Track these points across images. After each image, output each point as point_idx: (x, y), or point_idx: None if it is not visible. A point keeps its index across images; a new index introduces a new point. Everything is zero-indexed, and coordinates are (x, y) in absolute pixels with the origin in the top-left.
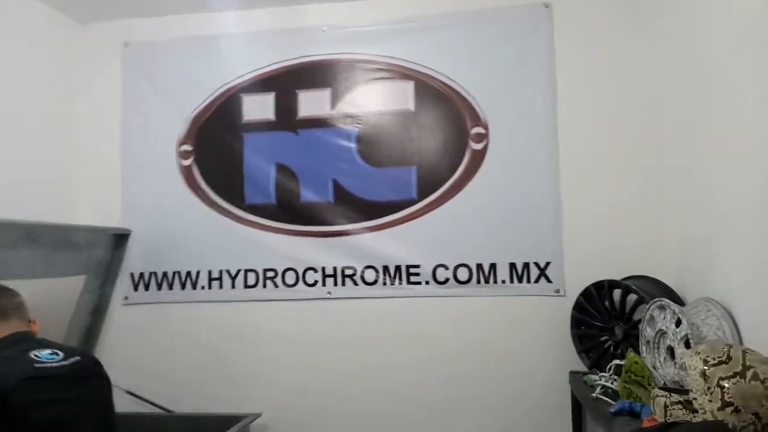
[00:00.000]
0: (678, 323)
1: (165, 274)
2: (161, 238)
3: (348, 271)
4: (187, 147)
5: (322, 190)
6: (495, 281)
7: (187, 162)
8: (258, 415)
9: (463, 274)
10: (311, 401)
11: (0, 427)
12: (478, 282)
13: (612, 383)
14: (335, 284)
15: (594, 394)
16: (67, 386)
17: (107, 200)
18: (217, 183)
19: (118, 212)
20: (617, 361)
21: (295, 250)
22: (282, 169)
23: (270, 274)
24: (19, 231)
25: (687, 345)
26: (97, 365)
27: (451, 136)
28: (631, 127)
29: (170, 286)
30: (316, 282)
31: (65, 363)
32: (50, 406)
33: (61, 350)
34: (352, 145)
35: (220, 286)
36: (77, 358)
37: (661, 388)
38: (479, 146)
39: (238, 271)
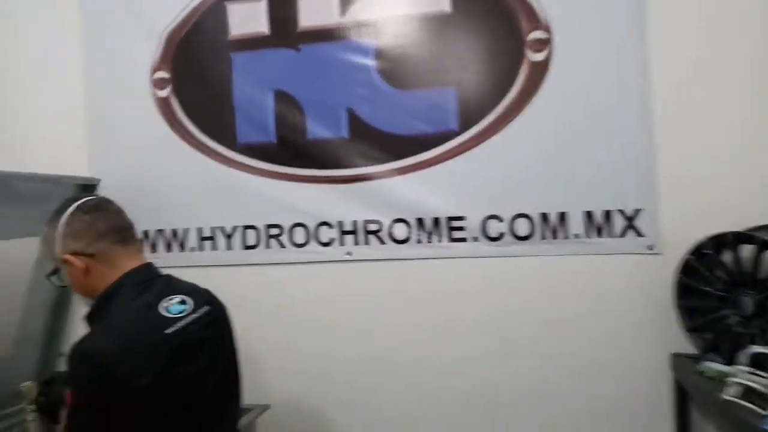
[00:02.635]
0: None
1: (146, 234)
2: (138, 189)
3: (372, 227)
4: (162, 74)
5: (334, 122)
6: (566, 236)
7: (163, 93)
8: (266, 407)
9: (522, 227)
10: (326, 390)
11: (116, 422)
12: (543, 237)
13: (755, 382)
14: (356, 243)
15: (728, 396)
16: (198, 353)
17: (68, 144)
18: (202, 118)
19: (82, 159)
20: (760, 349)
21: (304, 200)
22: (282, 97)
23: (274, 231)
24: None
25: None
26: (225, 312)
27: (501, 44)
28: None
29: (153, 248)
30: (331, 240)
31: (196, 316)
32: (179, 384)
33: (188, 294)
34: (370, 63)
35: (213, 248)
36: (208, 308)
37: None
38: (540, 57)
39: (234, 228)
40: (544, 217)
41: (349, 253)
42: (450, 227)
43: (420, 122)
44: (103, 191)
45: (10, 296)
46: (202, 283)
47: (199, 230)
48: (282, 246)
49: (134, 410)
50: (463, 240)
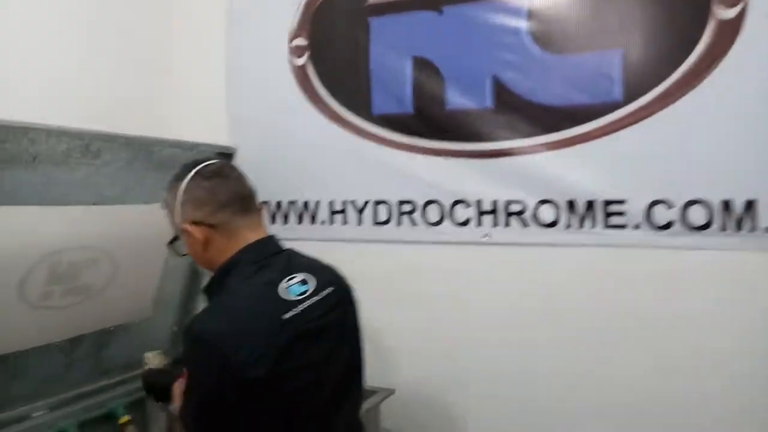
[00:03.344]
0: None
1: (279, 205)
2: (272, 158)
3: (514, 207)
4: (300, 41)
5: (478, 91)
6: (753, 228)
7: (300, 60)
8: (391, 392)
9: (697, 215)
10: (453, 376)
11: (229, 411)
12: (724, 229)
13: None
14: (495, 224)
15: None
16: (319, 341)
17: (208, 112)
18: (337, 87)
19: (221, 127)
20: None
21: (439, 175)
22: (421, 64)
23: (406, 208)
24: (93, 143)
25: None
26: (350, 293)
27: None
28: None
29: (285, 220)
30: (467, 220)
31: (317, 299)
32: (299, 379)
33: (311, 272)
34: (522, 24)
35: (344, 222)
36: (331, 288)
37: None
38: (730, 14)
39: (366, 203)
40: (726, 204)
41: (486, 235)
42: (607, 212)
43: (577, 91)
44: (239, 160)
45: (150, 259)
46: (330, 258)
47: (330, 203)
48: (414, 224)
49: (247, 401)
50: (621, 227)
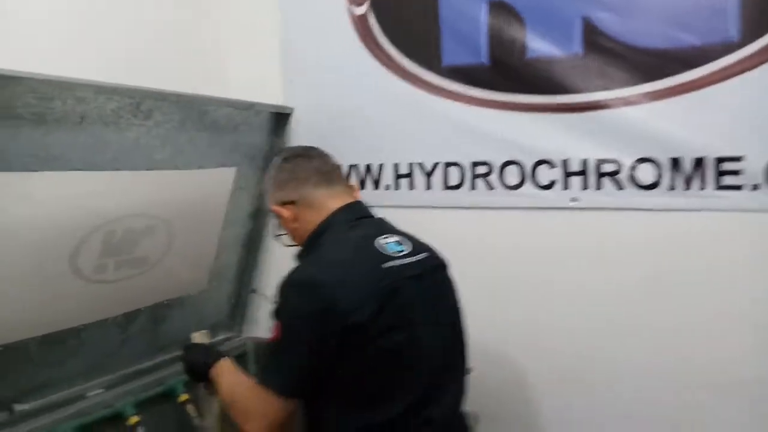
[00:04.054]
0: None
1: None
2: (331, 119)
3: (607, 167)
4: None
5: (564, 35)
6: None
7: (360, 9)
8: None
9: None
10: (530, 355)
11: (327, 360)
12: None
13: None
14: (584, 187)
15: None
16: (418, 302)
17: (262, 70)
18: (402, 37)
19: (276, 86)
20: None
21: (519, 133)
22: (498, 7)
23: (481, 170)
24: (144, 102)
25: None
26: (448, 268)
27: None
28: None
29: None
30: (552, 183)
31: (414, 260)
32: (398, 330)
33: (405, 237)
34: None
35: (411, 186)
36: (426, 254)
37: None
38: None
39: (435, 165)
40: None
41: (574, 199)
42: (719, 171)
43: (683, 31)
44: (295, 122)
45: (205, 229)
46: (399, 225)
47: (396, 166)
48: (490, 187)
49: (348, 348)
50: (736, 188)
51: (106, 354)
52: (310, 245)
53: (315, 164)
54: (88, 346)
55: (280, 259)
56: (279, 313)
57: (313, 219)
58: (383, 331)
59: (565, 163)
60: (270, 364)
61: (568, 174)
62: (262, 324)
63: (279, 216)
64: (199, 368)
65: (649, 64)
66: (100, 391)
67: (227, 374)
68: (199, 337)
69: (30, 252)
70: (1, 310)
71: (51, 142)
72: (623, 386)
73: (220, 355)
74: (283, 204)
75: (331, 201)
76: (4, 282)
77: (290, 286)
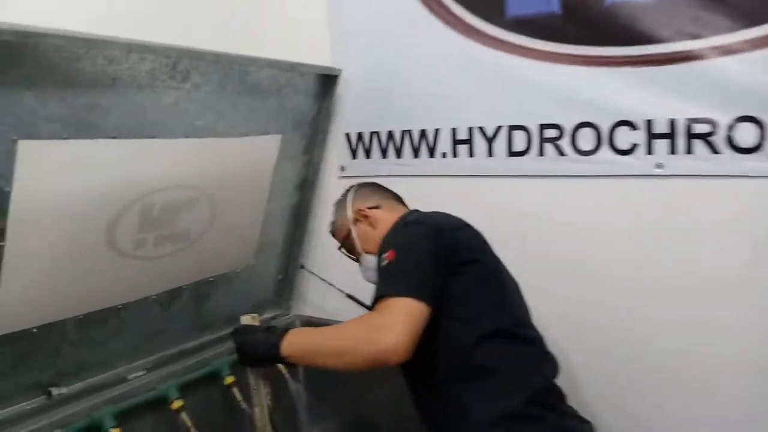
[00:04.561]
0: None
1: (391, 135)
2: (382, 80)
3: (699, 128)
4: None
5: None
6: None
7: None
8: None
9: None
10: (615, 348)
11: (445, 271)
12: None
13: None
14: (672, 151)
15: None
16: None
17: (307, 28)
18: None
19: (321, 46)
20: None
21: (595, 90)
22: None
23: (550, 133)
24: (181, 61)
25: None
26: None
27: None
28: None
29: (399, 153)
30: (633, 147)
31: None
32: (493, 259)
33: None
34: None
35: (470, 153)
36: None
37: None
38: None
39: (498, 129)
40: None
41: (659, 166)
42: None
43: None
44: (343, 84)
45: (250, 201)
46: (455, 197)
47: (453, 131)
48: (561, 153)
49: (460, 265)
50: None
51: (147, 334)
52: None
53: (387, 189)
54: (128, 326)
55: (328, 233)
56: (393, 243)
57: (393, 218)
58: (481, 255)
59: (648, 124)
60: (388, 281)
61: (653, 136)
62: (311, 301)
63: (361, 221)
64: (260, 350)
65: (754, 6)
66: (142, 373)
67: (311, 334)
68: (248, 321)
69: (63, 227)
70: (36, 288)
71: (80, 107)
72: (731, 386)
73: (283, 330)
74: (367, 210)
75: (404, 208)
76: (36, 258)
77: (401, 225)
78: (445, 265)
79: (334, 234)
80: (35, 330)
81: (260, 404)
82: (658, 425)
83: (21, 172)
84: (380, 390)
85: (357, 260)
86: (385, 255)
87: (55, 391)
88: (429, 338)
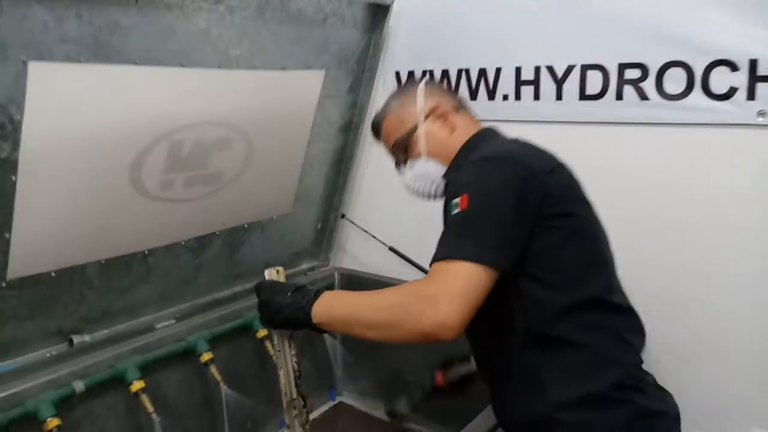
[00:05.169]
0: None
1: (446, 75)
2: (437, 12)
3: None
4: None
5: None
6: None
7: None
8: None
9: None
10: (712, 320)
11: (529, 228)
12: None
13: None
14: None
15: None
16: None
17: None
18: None
19: None
20: None
21: (687, 22)
22: None
23: (632, 74)
24: None
25: None
26: None
27: None
28: None
29: (456, 93)
30: (732, 91)
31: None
32: (586, 207)
33: None
34: None
35: (536, 96)
36: None
37: None
38: None
39: (569, 68)
40: None
41: (762, 114)
42: None
43: None
44: (395, 15)
45: (289, 143)
46: None
47: (517, 71)
48: (643, 97)
49: (547, 219)
50: None
51: (176, 282)
52: (466, 154)
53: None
54: (156, 273)
55: (371, 180)
56: (468, 185)
57: (469, 128)
58: (575, 204)
59: (753, 64)
60: (455, 237)
61: (757, 79)
62: (350, 253)
63: (434, 123)
64: (287, 313)
65: None
66: (170, 322)
67: (348, 299)
68: (274, 275)
69: (82, 162)
70: (53, 228)
71: (99, 27)
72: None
73: (314, 292)
74: (443, 112)
75: (467, 126)
76: (52, 196)
77: (480, 161)
78: (531, 218)
79: (378, 127)
80: (54, 274)
81: (285, 367)
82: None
83: (33, 98)
84: (423, 349)
85: (403, 164)
86: (457, 200)
87: (77, 338)
88: (501, 299)
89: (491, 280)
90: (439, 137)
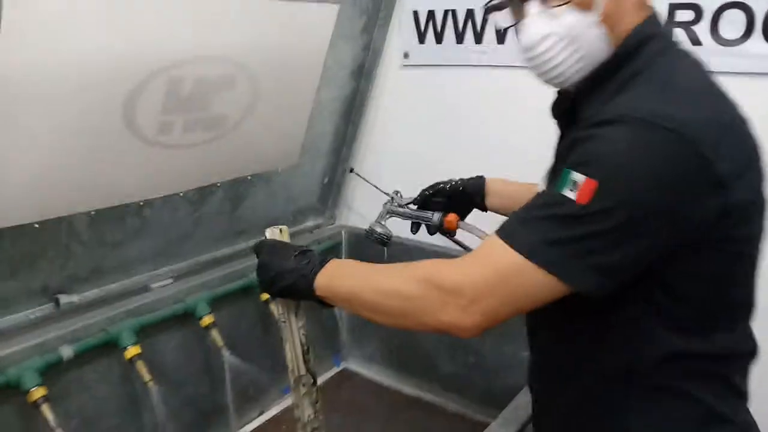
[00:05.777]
0: None
1: (470, 15)
2: None
3: None
4: None
5: None
6: None
7: None
8: None
9: None
10: None
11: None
12: None
13: None
14: None
15: None
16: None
17: None
18: None
19: None
20: None
21: None
22: None
23: (683, 15)
24: None
25: None
26: None
27: None
28: None
29: (478, 38)
30: None
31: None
32: (760, 214)
33: None
34: None
35: None
36: None
37: None
38: None
39: None
40: None
41: None
42: None
43: None
44: None
45: (297, 86)
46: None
47: None
48: (695, 42)
49: (711, 238)
50: None
51: (174, 237)
52: (629, 60)
53: None
54: (152, 227)
55: (383, 132)
56: (606, 171)
57: (633, 16)
58: (758, 218)
59: None
60: (539, 228)
61: None
62: (358, 210)
63: None
64: (288, 280)
65: None
66: (167, 282)
67: (359, 274)
68: (276, 235)
69: (66, 98)
70: (35, 174)
71: None
72: None
73: (322, 258)
74: None
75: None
76: (32, 137)
77: (643, 125)
78: (684, 241)
79: None
80: (37, 225)
81: (291, 340)
82: None
83: (8, 23)
84: None
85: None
86: (580, 179)
87: (64, 298)
88: (601, 320)
89: (560, 294)
90: None
